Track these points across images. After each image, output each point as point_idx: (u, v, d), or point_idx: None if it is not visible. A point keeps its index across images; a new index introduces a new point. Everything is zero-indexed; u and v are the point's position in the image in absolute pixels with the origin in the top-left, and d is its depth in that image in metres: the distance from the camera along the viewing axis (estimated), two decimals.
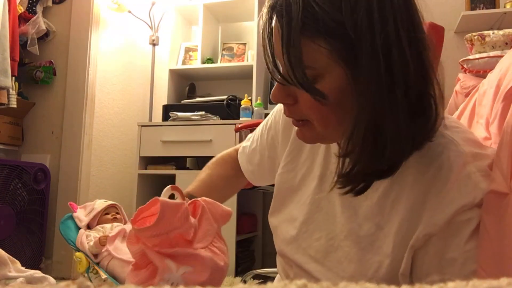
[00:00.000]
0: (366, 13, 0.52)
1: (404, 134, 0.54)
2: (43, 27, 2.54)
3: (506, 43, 1.85)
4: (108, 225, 1.84)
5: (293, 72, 0.55)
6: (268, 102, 2.74)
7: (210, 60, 2.83)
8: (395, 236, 0.61)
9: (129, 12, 2.75)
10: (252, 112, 2.55)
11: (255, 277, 2.22)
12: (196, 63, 2.87)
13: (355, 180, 0.58)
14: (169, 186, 0.70)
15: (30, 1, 2.55)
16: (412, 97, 0.54)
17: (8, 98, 2.19)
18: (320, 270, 0.71)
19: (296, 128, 0.65)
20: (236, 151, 0.94)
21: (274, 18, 0.57)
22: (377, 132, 0.54)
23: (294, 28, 0.53)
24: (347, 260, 0.67)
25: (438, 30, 1.75)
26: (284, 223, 0.77)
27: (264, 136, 0.87)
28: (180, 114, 2.53)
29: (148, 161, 2.55)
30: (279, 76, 0.59)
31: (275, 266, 0.90)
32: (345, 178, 0.58)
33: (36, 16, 2.54)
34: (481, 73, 1.76)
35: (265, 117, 1.21)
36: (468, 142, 0.60)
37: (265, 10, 0.59)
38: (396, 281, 0.61)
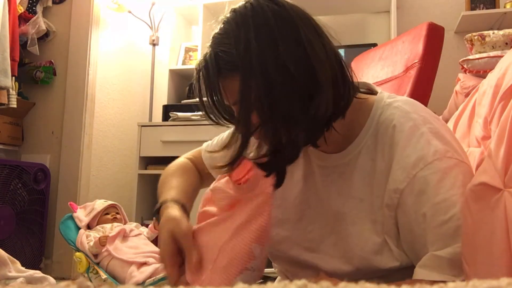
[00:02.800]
0: (245, 44, 0.65)
1: (301, 124, 0.65)
2: (43, 27, 2.54)
3: (506, 43, 1.85)
4: (108, 225, 1.85)
5: (220, 114, 0.70)
6: None
7: None
8: (376, 202, 0.69)
9: (129, 12, 2.75)
10: None
11: None
12: (196, 63, 2.87)
13: (270, 167, 0.68)
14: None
15: (30, 1, 2.55)
16: (302, 90, 0.65)
17: (8, 98, 2.19)
18: (316, 256, 0.76)
19: None
20: (190, 160, 0.99)
21: (200, 77, 0.71)
22: (279, 126, 0.66)
23: (212, 77, 0.67)
24: (341, 239, 0.73)
25: (438, 30, 1.75)
26: (272, 227, 0.80)
27: None
28: (180, 114, 2.53)
29: (148, 161, 2.54)
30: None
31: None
32: (264, 167, 0.68)
33: (36, 16, 2.54)
34: (481, 73, 1.76)
35: None
36: (417, 110, 0.71)
37: (194, 74, 0.73)
38: (386, 244, 0.68)
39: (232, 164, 0.68)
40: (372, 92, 0.79)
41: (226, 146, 0.70)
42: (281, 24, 0.66)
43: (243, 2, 0.70)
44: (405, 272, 0.65)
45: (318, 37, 0.68)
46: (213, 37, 0.71)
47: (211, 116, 0.72)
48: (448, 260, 0.59)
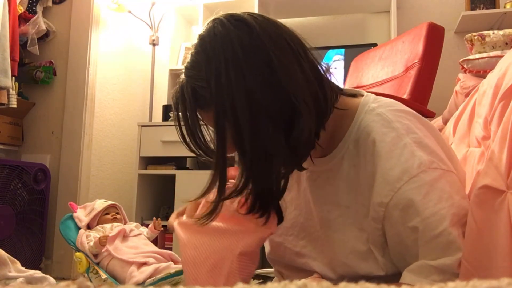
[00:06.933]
0: (215, 80, 0.64)
1: (282, 155, 0.64)
2: (43, 27, 2.54)
3: (506, 43, 1.85)
4: (108, 225, 1.85)
5: (200, 147, 0.69)
6: None
7: None
8: (361, 211, 0.68)
9: (129, 12, 2.75)
10: None
11: (255, 277, 2.22)
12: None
13: (261, 207, 0.67)
14: None
15: (30, 1, 2.55)
16: (277, 122, 0.64)
17: (8, 98, 2.19)
18: (307, 262, 0.77)
19: None
20: None
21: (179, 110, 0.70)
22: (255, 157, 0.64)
23: (191, 112, 0.67)
24: (327, 245, 0.74)
25: (438, 30, 1.75)
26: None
27: None
28: None
29: (148, 161, 2.54)
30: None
31: None
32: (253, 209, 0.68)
33: (36, 16, 2.54)
34: (481, 73, 1.76)
35: None
36: (400, 118, 0.68)
37: (172, 106, 0.73)
38: (372, 253, 0.68)
39: (213, 212, 0.67)
40: (359, 94, 0.77)
41: (204, 193, 0.68)
42: (251, 56, 0.64)
43: (212, 28, 0.67)
44: (391, 280, 0.65)
45: (294, 57, 0.66)
46: (186, 68, 0.69)
47: (193, 149, 0.70)
48: (436, 269, 0.59)
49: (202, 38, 0.68)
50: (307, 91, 0.65)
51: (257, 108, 0.63)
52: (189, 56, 0.70)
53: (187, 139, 0.69)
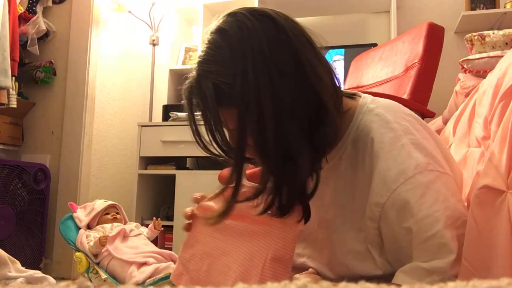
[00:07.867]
0: (242, 77, 0.61)
1: (308, 152, 0.63)
2: (43, 27, 2.54)
3: (506, 43, 1.85)
4: (108, 225, 1.85)
5: (219, 147, 0.66)
6: None
7: None
8: (358, 212, 0.68)
9: (129, 12, 2.75)
10: None
11: None
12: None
13: (283, 208, 0.65)
14: None
15: (30, 1, 2.55)
16: (304, 117, 0.62)
17: (8, 98, 2.19)
18: (306, 262, 0.78)
19: None
20: None
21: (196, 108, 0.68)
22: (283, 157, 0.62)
23: (212, 111, 0.64)
24: (325, 246, 0.74)
25: (438, 30, 1.75)
26: None
27: None
28: (180, 114, 2.52)
29: (148, 161, 2.54)
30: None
31: None
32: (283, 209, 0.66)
33: (36, 16, 2.54)
34: (481, 73, 1.76)
35: None
36: (399, 119, 0.68)
37: (185, 102, 0.70)
38: (369, 253, 0.68)
39: (226, 213, 0.65)
40: (357, 95, 0.78)
41: (220, 192, 0.66)
42: (279, 52, 0.62)
43: (235, 21, 0.64)
44: (389, 279, 0.65)
45: (315, 54, 0.65)
46: (203, 62, 0.66)
47: (210, 148, 0.68)
48: (428, 271, 0.59)
49: (223, 31, 0.65)
50: (329, 88, 0.65)
51: (283, 107, 0.61)
52: (204, 48, 0.66)
53: (208, 138, 0.66)
